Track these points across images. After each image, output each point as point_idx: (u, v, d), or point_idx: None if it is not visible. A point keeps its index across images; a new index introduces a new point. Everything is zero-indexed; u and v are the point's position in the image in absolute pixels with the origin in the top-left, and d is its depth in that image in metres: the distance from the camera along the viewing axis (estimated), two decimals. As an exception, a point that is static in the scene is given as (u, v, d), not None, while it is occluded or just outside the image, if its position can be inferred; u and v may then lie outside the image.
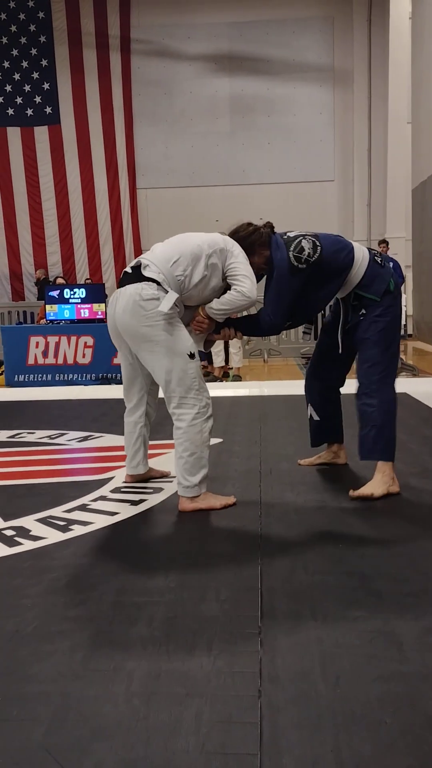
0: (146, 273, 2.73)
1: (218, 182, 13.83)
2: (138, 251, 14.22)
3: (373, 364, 2.94)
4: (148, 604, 1.95)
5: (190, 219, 11.74)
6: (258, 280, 3.16)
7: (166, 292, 2.69)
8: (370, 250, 3.04)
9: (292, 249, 2.84)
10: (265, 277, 2.99)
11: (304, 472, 3.41)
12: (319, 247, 2.85)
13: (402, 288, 8.62)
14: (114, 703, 1.47)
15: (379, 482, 2.92)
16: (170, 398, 2.77)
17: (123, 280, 2.81)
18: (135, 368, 2.97)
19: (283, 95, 14.08)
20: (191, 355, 2.74)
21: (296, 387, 6.74)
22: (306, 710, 1.42)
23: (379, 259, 2.99)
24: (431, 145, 10.14)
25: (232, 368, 7.97)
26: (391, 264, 3.11)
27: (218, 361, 7.94)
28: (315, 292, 2.93)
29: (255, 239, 2.91)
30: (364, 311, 2.96)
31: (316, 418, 3.37)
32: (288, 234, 2.93)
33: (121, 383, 5.30)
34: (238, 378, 7.72)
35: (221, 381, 7.67)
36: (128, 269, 2.83)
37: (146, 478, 3.25)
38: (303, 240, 2.86)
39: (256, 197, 13.05)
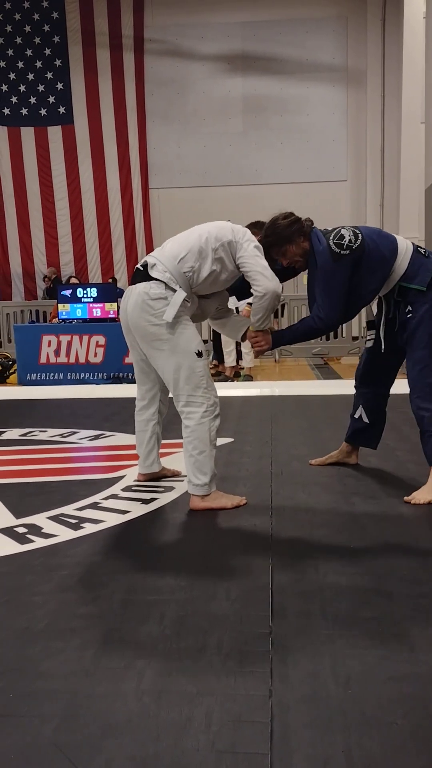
0: (153, 273, 2.75)
1: (231, 182, 13.80)
2: (150, 251, 14.04)
3: (425, 366, 2.85)
4: (159, 603, 1.95)
5: (203, 219, 11.63)
6: (291, 275, 3.15)
7: (174, 291, 2.71)
8: (413, 245, 2.96)
9: (331, 238, 2.82)
10: (307, 272, 2.97)
11: (315, 472, 3.40)
12: (359, 234, 2.83)
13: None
14: (124, 701, 1.47)
15: (430, 489, 2.85)
16: (178, 397, 2.78)
17: (134, 278, 2.83)
18: (147, 365, 2.97)
19: (296, 95, 14.04)
20: (199, 354, 2.75)
21: (307, 387, 6.75)
22: (316, 710, 1.42)
23: (423, 251, 2.92)
24: (445, 145, 10.08)
25: (243, 368, 7.96)
26: None
27: (229, 360, 7.94)
28: (362, 283, 2.86)
29: (296, 229, 2.89)
30: (410, 308, 2.88)
31: (365, 420, 3.31)
32: (326, 228, 2.93)
33: (132, 382, 5.30)
34: (249, 378, 7.71)
35: (232, 381, 7.66)
36: (139, 266, 2.85)
37: (159, 477, 3.25)
38: (342, 229, 2.86)
39: (269, 197, 12.99)
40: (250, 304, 3.07)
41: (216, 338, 8.05)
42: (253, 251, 2.78)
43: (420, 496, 2.83)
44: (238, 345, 7.96)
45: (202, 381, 2.75)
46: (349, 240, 2.80)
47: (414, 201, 12.50)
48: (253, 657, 1.64)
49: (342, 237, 2.81)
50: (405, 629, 1.75)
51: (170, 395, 2.94)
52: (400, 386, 3.18)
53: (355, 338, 9.98)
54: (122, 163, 14.41)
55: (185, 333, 2.74)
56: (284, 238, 2.88)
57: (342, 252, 2.78)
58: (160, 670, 1.59)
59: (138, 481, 3.25)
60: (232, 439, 4.26)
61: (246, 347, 7.93)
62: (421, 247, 2.95)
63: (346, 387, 6.66)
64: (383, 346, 3.06)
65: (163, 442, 3.24)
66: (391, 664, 1.59)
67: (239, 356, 8.07)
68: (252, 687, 1.51)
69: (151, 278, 2.74)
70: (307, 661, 1.61)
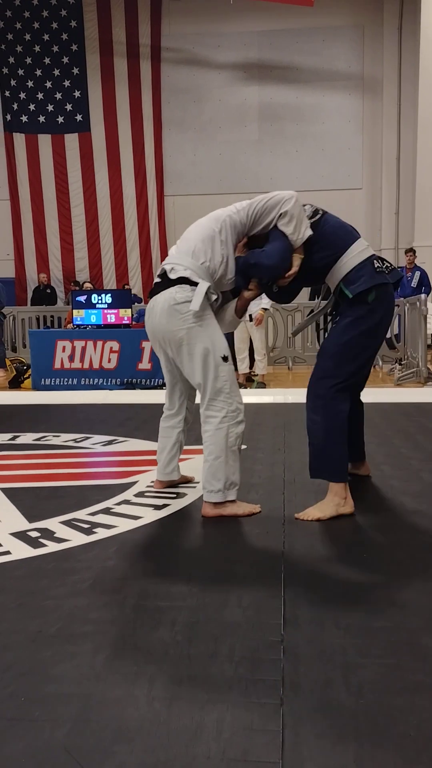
0: (173, 276, 2.76)
1: (246, 190, 13.80)
2: (165, 258, 14.27)
3: (325, 377, 2.83)
4: (171, 609, 1.95)
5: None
6: (296, 292, 3.12)
7: (197, 283, 2.71)
8: (378, 257, 2.88)
9: None
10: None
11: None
12: (321, 212, 2.87)
13: (427, 298, 8.51)
14: (136, 706, 1.47)
15: (327, 505, 2.79)
16: (201, 401, 2.79)
17: (154, 290, 2.83)
18: (175, 374, 2.98)
19: (312, 103, 14.08)
20: (224, 358, 2.75)
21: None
22: (328, 720, 1.41)
23: (378, 265, 2.83)
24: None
25: (257, 375, 7.95)
26: (411, 278, 3.00)
27: (242, 367, 7.94)
28: (308, 257, 2.83)
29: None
30: (338, 316, 2.88)
31: None
32: None
33: (145, 388, 5.37)
34: (262, 385, 7.70)
35: (245, 388, 7.66)
36: (157, 279, 2.85)
37: (175, 485, 3.25)
38: (307, 205, 2.89)
39: (284, 205, 13.03)
40: (264, 309, 3.06)
41: (229, 345, 8.05)
42: (248, 204, 2.81)
43: (313, 514, 2.76)
44: (251, 352, 7.96)
45: (225, 386, 2.75)
46: (308, 214, 2.83)
47: (429, 209, 12.47)
48: (265, 665, 1.63)
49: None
50: (418, 639, 1.74)
51: (197, 402, 2.94)
52: (408, 395, 3.16)
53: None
54: (138, 170, 14.50)
55: (212, 337, 2.75)
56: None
57: None
58: (172, 676, 1.59)
59: (153, 488, 3.24)
60: (245, 446, 4.25)
61: (259, 354, 7.93)
62: (382, 261, 2.88)
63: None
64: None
65: (186, 447, 3.23)
66: (403, 674, 1.58)
67: (252, 363, 8.07)
68: (263, 695, 1.51)
69: (172, 283, 2.74)
70: (319, 670, 1.60)
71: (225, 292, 2.93)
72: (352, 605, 1.95)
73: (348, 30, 13.92)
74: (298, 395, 6.73)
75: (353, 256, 2.83)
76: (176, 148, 14.37)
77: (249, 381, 8.04)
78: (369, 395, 6.56)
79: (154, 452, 3.71)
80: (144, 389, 7.45)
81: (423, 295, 7.97)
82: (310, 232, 2.79)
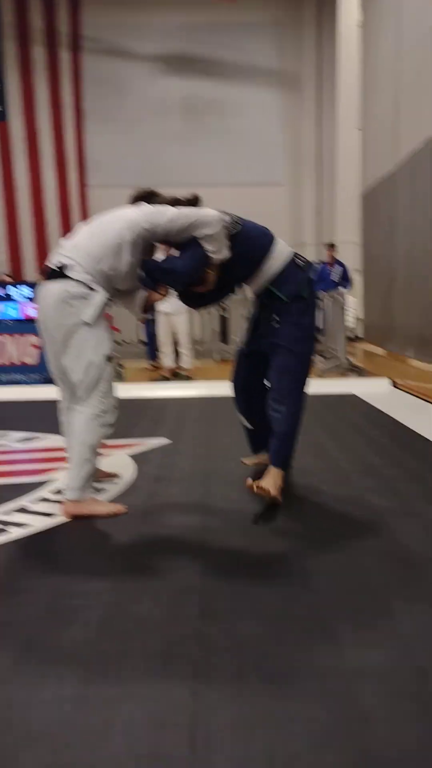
0: (71, 275, 2.64)
1: (170, 183, 13.66)
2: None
3: (286, 372, 2.91)
4: (84, 608, 1.90)
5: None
6: (227, 292, 3.13)
7: (95, 290, 2.64)
8: (296, 254, 2.96)
9: None
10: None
11: (249, 472, 3.39)
12: (240, 227, 2.84)
13: (347, 292, 8.71)
14: (43, 709, 1.42)
15: (271, 484, 2.84)
16: (76, 398, 2.72)
17: (49, 275, 2.71)
18: (61, 368, 2.88)
19: (234, 98, 14.13)
20: (108, 358, 2.70)
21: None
22: (240, 710, 1.40)
23: (300, 262, 2.93)
24: (380, 151, 10.32)
25: (183, 369, 7.93)
26: (329, 271, 3.03)
27: (167, 361, 7.90)
28: (228, 267, 2.82)
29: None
30: (277, 319, 2.91)
31: (248, 426, 3.35)
32: None
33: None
34: (188, 378, 7.68)
35: (171, 381, 7.62)
36: (53, 266, 2.71)
37: (96, 480, 3.16)
38: (226, 215, 2.86)
39: (208, 199, 12.91)
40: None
41: (152, 339, 7.99)
42: (168, 220, 2.68)
43: (264, 484, 2.82)
44: (176, 345, 7.93)
45: (101, 385, 2.68)
46: (227, 225, 2.80)
47: (351, 206, 12.74)
48: (179, 658, 1.61)
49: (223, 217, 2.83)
50: (331, 625, 1.75)
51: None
52: (331, 386, 3.21)
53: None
54: (59, 161, 14.20)
55: (98, 335, 2.67)
56: None
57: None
58: (82, 675, 1.55)
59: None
60: (168, 440, 4.22)
61: (184, 348, 7.91)
62: (301, 258, 2.96)
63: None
64: (246, 345, 3.14)
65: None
66: (316, 659, 1.59)
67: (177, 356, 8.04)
68: (176, 689, 1.48)
69: (67, 277, 2.64)
70: (231, 661, 1.59)
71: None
72: (268, 594, 1.96)
73: (268, 26, 14.03)
74: (224, 388, 6.74)
75: (276, 259, 2.89)
76: (98, 140, 14.14)
77: (176, 375, 8.00)
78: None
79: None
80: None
81: (343, 289, 8.13)
82: (228, 254, 2.77)
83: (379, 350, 10.60)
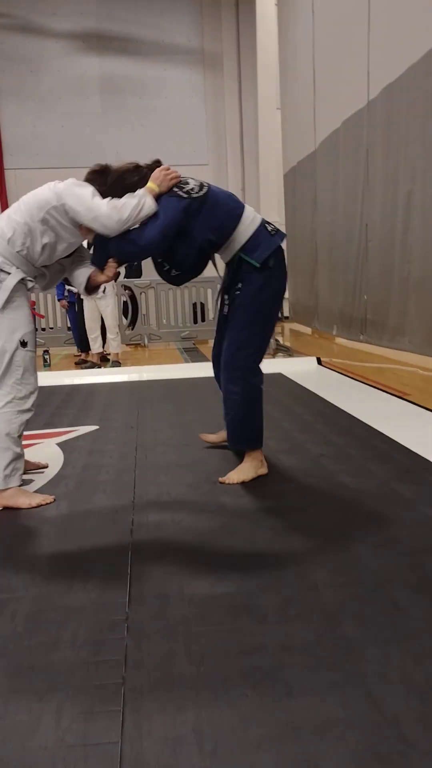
0: None
1: (90, 164, 13.40)
2: (9, 235, 13.63)
3: (240, 348, 2.86)
4: (11, 601, 1.87)
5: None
6: (202, 267, 3.01)
7: (8, 273, 2.59)
8: (265, 220, 2.90)
9: (177, 184, 2.75)
10: None
11: (179, 455, 3.42)
12: (206, 188, 2.77)
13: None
14: (-31, 707, 1.40)
15: (247, 468, 2.93)
16: None
17: None
18: None
19: (154, 77, 13.93)
20: (23, 343, 2.64)
21: (175, 371, 6.77)
22: (169, 692, 1.42)
23: (269, 228, 2.87)
24: (299, 131, 10.40)
25: (110, 354, 7.85)
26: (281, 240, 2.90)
27: (95, 347, 7.80)
28: (196, 232, 2.75)
29: (139, 177, 2.76)
30: (240, 285, 2.84)
31: None
32: None
33: None
34: (117, 364, 7.62)
35: (99, 367, 7.54)
36: None
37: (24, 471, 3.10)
38: (190, 179, 2.80)
39: (131, 180, 12.84)
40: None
41: (80, 325, 7.86)
42: (85, 203, 2.61)
43: (235, 478, 2.88)
44: (103, 330, 7.83)
45: (18, 371, 2.64)
46: (191, 188, 2.74)
47: (273, 185, 12.82)
48: (108, 645, 1.62)
49: (186, 183, 2.76)
50: (257, 603, 1.79)
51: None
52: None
53: (221, 321, 10.12)
54: (-26, 143, 13.67)
55: (13, 318, 2.62)
56: (128, 187, 2.73)
57: (179, 192, 2.72)
58: (10, 669, 1.53)
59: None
60: (97, 426, 4.19)
61: (112, 332, 7.82)
62: (269, 224, 2.91)
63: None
64: (218, 316, 3.08)
65: (29, 432, 3.10)
66: (243, 637, 1.63)
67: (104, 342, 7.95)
68: (105, 676, 1.49)
69: None
70: (161, 644, 1.61)
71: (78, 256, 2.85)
72: (197, 575, 1.98)
73: (186, 3, 13.86)
74: (153, 372, 6.74)
75: (247, 224, 2.81)
76: (15, 120, 13.68)
77: (104, 360, 7.92)
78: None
79: None
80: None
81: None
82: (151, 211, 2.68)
83: (305, 329, 10.78)
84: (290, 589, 1.86)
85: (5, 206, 13.78)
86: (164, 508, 2.63)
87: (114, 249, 2.76)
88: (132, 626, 1.70)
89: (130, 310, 9.80)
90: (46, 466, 3.26)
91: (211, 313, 10.15)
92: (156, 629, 1.68)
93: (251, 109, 13.70)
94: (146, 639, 1.64)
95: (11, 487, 2.69)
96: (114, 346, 7.76)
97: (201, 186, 2.78)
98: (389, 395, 4.76)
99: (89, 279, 2.86)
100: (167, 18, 13.84)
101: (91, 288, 2.91)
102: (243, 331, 2.86)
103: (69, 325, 8.61)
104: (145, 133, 13.92)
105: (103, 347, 7.95)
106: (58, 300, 8.34)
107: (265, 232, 2.84)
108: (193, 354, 8.65)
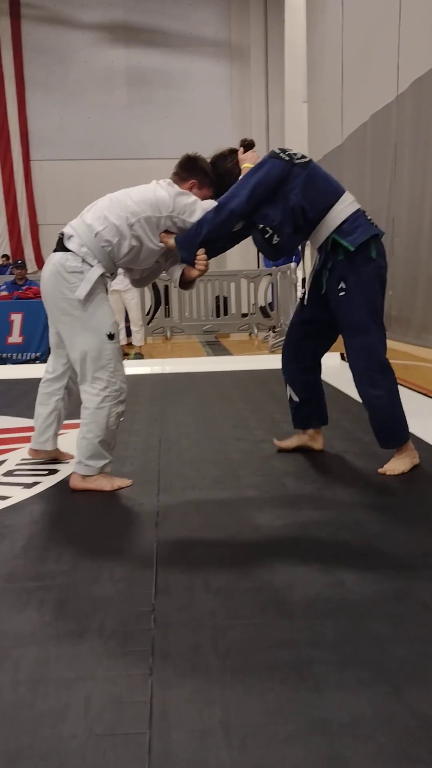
0: (69, 245, 2.63)
1: (117, 156, 13.54)
2: (33, 224, 13.74)
3: (366, 350, 2.74)
4: (39, 589, 1.89)
5: (88, 192, 11.37)
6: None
7: (91, 265, 2.60)
8: (365, 212, 2.78)
9: (281, 149, 2.73)
10: None
11: (203, 449, 3.42)
12: (309, 158, 2.72)
13: (297, 266, 8.70)
14: (-1, 693, 1.42)
15: (404, 460, 2.86)
16: (83, 376, 2.69)
17: (57, 245, 2.70)
18: (61, 338, 2.83)
19: (181, 69, 13.91)
20: (110, 336, 2.66)
21: (198, 364, 6.78)
22: (196, 684, 1.43)
23: (369, 218, 2.75)
24: (326, 124, 10.32)
25: (134, 346, 7.88)
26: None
27: (120, 339, 7.84)
28: (292, 196, 2.63)
29: (236, 161, 2.79)
30: (343, 285, 2.70)
31: (295, 399, 3.13)
32: None
33: (16, 362, 4.99)
34: (140, 356, 7.65)
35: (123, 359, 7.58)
36: (60, 234, 2.70)
37: (52, 458, 3.13)
38: (297, 152, 2.75)
39: (156, 171, 12.75)
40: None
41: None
42: (186, 220, 2.64)
43: (392, 467, 2.84)
44: (127, 323, 7.87)
45: (110, 364, 2.66)
46: (295, 153, 2.70)
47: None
48: (135, 636, 1.62)
49: (289, 149, 2.73)
50: (284, 598, 1.79)
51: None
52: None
53: (244, 315, 10.11)
54: (0, 134, 13.75)
55: (98, 312, 2.64)
56: (234, 176, 2.73)
57: (281, 155, 2.68)
58: (39, 658, 1.55)
59: (28, 458, 3.11)
60: (121, 419, 4.20)
61: (135, 325, 7.84)
62: (370, 217, 2.78)
63: (236, 363, 6.76)
64: (306, 300, 2.94)
65: (66, 422, 3.11)
66: (270, 632, 1.62)
67: (128, 334, 7.99)
68: (133, 667, 1.50)
69: (68, 249, 2.62)
70: (188, 636, 1.61)
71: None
72: (222, 568, 1.98)
73: (214, -5, 13.81)
74: (175, 365, 6.75)
75: (346, 205, 2.70)
76: (41, 111, 13.75)
77: (126, 354, 7.95)
78: (245, 363, 6.69)
79: (25, 429, 3.61)
80: (15, 364, 7.17)
81: (293, 264, 8.18)
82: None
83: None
84: (317, 585, 1.86)
85: (31, 197, 13.88)
86: (189, 501, 2.63)
87: (206, 226, 2.64)
88: (159, 618, 1.71)
89: (153, 303, 9.82)
90: (72, 457, 3.27)
91: (234, 308, 10.13)
92: (183, 621, 1.69)
93: (277, 102, 13.64)
94: (173, 631, 1.64)
95: (97, 472, 2.74)
96: (138, 338, 7.79)
97: (304, 156, 2.72)
98: (415, 393, 4.72)
99: (183, 274, 2.84)
100: (195, 10, 13.81)
101: (186, 283, 2.89)
102: (366, 335, 2.74)
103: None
104: (171, 126, 13.92)
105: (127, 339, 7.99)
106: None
107: (364, 218, 2.72)
108: (215, 347, 8.66)
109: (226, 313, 10.18)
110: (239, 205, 2.62)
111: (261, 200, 2.64)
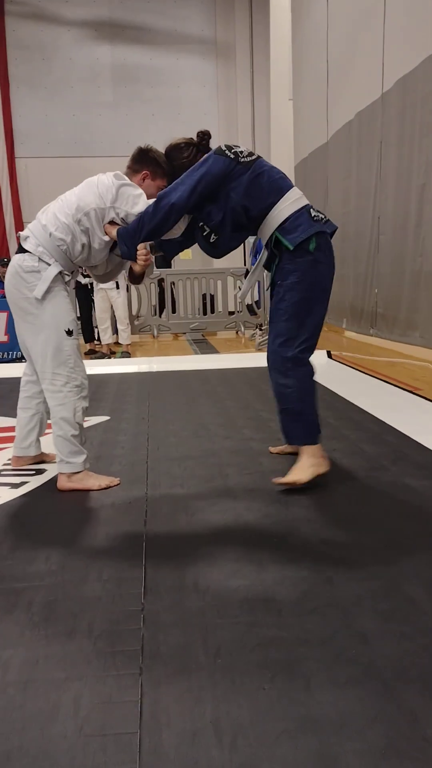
0: (25, 246, 2.68)
1: (102, 153, 13.46)
2: (19, 222, 13.66)
3: (287, 339, 2.69)
4: (28, 590, 1.88)
5: (74, 191, 11.36)
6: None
7: (48, 264, 2.63)
8: (312, 207, 2.73)
9: (225, 143, 2.69)
10: None
11: (191, 447, 3.42)
12: (255, 156, 2.68)
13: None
14: (-12, 695, 1.41)
15: (305, 467, 2.72)
16: (43, 374, 2.70)
17: (19, 246, 2.74)
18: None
19: (167, 66, 13.87)
20: (68, 332, 2.67)
21: (185, 362, 6.77)
22: (186, 684, 1.43)
23: (314, 214, 2.68)
24: (312, 122, 10.34)
25: (121, 345, 7.86)
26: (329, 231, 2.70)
27: (105, 337, 7.81)
28: (233, 194, 2.61)
29: (192, 153, 2.77)
30: (283, 278, 2.68)
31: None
32: None
33: (1, 362, 4.91)
34: (126, 354, 7.63)
35: (110, 358, 7.55)
36: (17, 235, 2.76)
37: (36, 462, 3.12)
38: (242, 147, 2.70)
39: (142, 170, 12.79)
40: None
41: (87, 317, 7.88)
42: (128, 212, 2.63)
43: (291, 478, 2.71)
44: (113, 321, 7.85)
45: (69, 360, 2.68)
46: (241, 151, 2.66)
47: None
48: (125, 636, 1.62)
49: (236, 146, 2.68)
50: (273, 596, 1.80)
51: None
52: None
53: (231, 312, 10.12)
54: (-15, 131, 13.65)
55: (57, 309, 2.66)
56: (184, 167, 2.71)
57: (226, 152, 2.64)
58: (27, 658, 1.54)
59: (9, 465, 3.10)
60: (108, 417, 4.20)
61: (122, 323, 7.82)
62: (317, 212, 2.72)
63: (223, 361, 6.76)
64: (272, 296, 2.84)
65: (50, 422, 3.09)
66: (259, 630, 1.63)
67: (115, 332, 7.97)
68: (123, 666, 1.50)
69: (26, 250, 2.66)
70: (178, 635, 1.62)
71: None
72: (212, 566, 1.99)
73: (199, -8, 13.78)
74: (162, 363, 6.74)
75: (289, 203, 2.66)
76: (26, 108, 13.66)
77: (114, 353, 7.93)
78: (232, 360, 6.67)
79: (11, 429, 3.58)
80: (0, 363, 7.13)
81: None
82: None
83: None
84: (305, 583, 1.87)
85: (16, 195, 13.79)
86: (177, 499, 2.63)
87: (146, 218, 2.61)
88: (148, 617, 1.71)
89: (158, 301, 9.91)
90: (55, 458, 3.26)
91: (221, 306, 10.14)
92: (172, 621, 1.69)
93: (263, 100, 13.64)
94: (162, 630, 1.64)
95: (80, 471, 2.74)
96: (124, 337, 7.77)
97: (251, 153, 2.69)
98: (401, 390, 4.75)
99: (130, 269, 2.85)
100: (180, 7, 13.77)
101: (135, 277, 2.88)
102: (288, 322, 2.69)
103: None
104: (157, 123, 13.88)
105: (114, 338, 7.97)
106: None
107: (306, 216, 2.66)
108: (202, 346, 8.65)
109: (213, 311, 10.18)
110: (180, 199, 2.59)
111: (203, 197, 2.62)
